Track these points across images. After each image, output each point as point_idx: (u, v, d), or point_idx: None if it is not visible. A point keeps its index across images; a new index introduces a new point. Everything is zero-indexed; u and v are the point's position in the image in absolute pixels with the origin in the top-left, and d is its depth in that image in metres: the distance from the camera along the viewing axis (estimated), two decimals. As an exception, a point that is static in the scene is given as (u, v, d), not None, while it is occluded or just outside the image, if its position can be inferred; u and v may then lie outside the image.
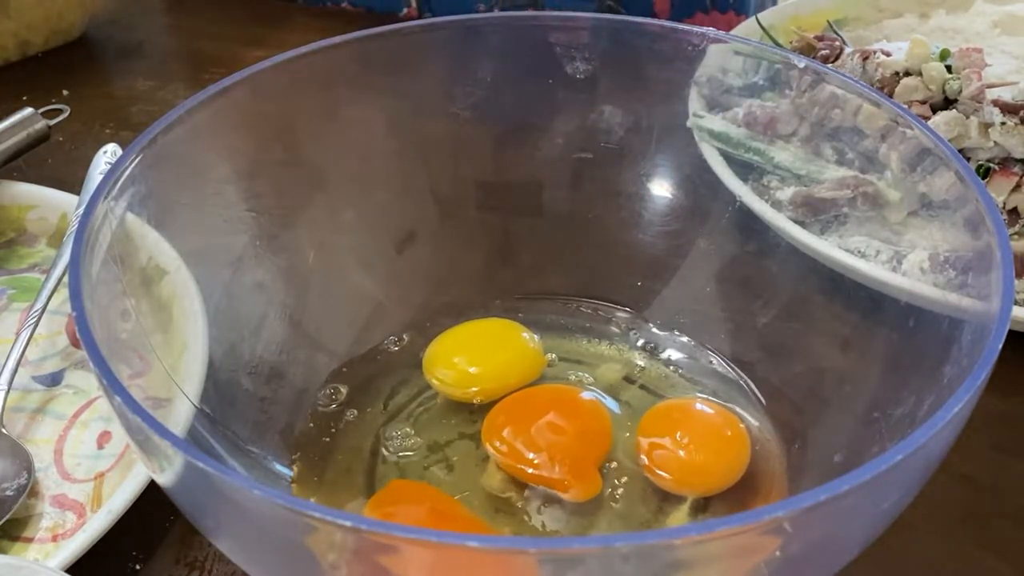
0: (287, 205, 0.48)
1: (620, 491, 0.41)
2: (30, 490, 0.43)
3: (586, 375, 0.46)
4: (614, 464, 0.42)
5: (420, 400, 0.46)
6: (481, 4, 0.82)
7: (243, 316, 0.46)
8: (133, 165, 0.38)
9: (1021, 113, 0.53)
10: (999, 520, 0.43)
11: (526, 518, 0.40)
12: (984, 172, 0.54)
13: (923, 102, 0.55)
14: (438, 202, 0.50)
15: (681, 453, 0.41)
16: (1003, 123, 0.52)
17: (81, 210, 0.52)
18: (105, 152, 0.59)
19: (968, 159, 0.54)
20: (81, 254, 0.34)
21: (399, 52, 0.47)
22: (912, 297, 0.40)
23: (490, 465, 0.42)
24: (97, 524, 0.39)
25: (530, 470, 0.41)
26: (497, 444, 0.42)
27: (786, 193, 0.50)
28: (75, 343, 0.51)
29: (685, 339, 0.48)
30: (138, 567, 0.41)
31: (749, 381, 0.46)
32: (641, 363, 0.47)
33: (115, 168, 0.38)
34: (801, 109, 0.49)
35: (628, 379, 0.46)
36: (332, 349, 0.47)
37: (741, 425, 0.43)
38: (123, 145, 0.60)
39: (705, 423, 0.43)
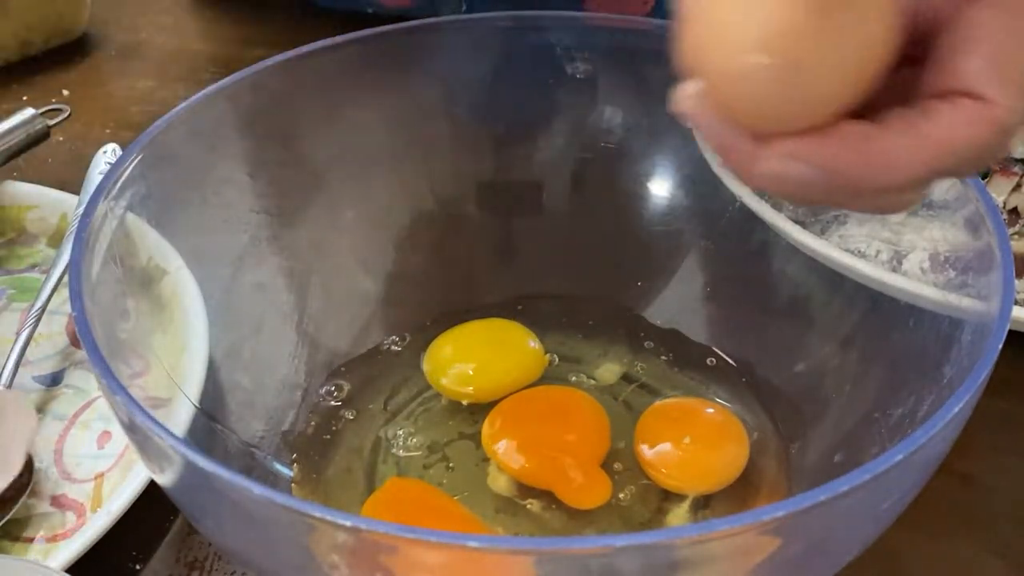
0: (287, 205, 0.48)
1: (620, 490, 0.41)
2: (30, 490, 0.43)
3: (586, 375, 0.46)
4: (615, 464, 0.42)
5: (420, 400, 0.46)
6: None
7: (243, 316, 0.46)
8: (133, 165, 0.38)
9: (1021, 113, 0.52)
10: (999, 520, 0.43)
11: (526, 518, 0.40)
12: (984, 172, 0.54)
13: (923, 102, 0.55)
14: (438, 202, 0.50)
15: (680, 451, 0.41)
16: (1003, 123, 0.52)
17: (81, 210, 0.52)
18: (105, 152, 0.59)
19: (968, 159, 0.54)
20: (81, 254, 0.34)
21: (399, 52, 0.47)
22: (912, 297, 0.40)
23: (492, 466, 0.42)
24: (97, 524, 0.39)
25: (535, 473, 0.41)
26: (497, 446, 0.42)
27: (786, 193, 0.50)
28: (75, 343, 0.51)
29: (685, 339, 0.48)
30: (138, 567, 0.41)
31: (749, 381, 0.46)
32: (641, 363, 0.47)
33: (115, 168, 0.38)
34: (801, 109, 0.49)
35: (627, 378, 0.46)
36: (332, 349, 0.47)
37: (739, 423, 0.43)
38: (123, 145, 0.60)
39: (703, 421, 0.43)
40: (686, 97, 0.27)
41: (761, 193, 0.50)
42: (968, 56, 0.26)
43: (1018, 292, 0.50)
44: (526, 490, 0.41)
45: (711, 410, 0.44)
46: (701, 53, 0.26)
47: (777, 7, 0.25)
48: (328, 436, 0.44)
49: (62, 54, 0.78)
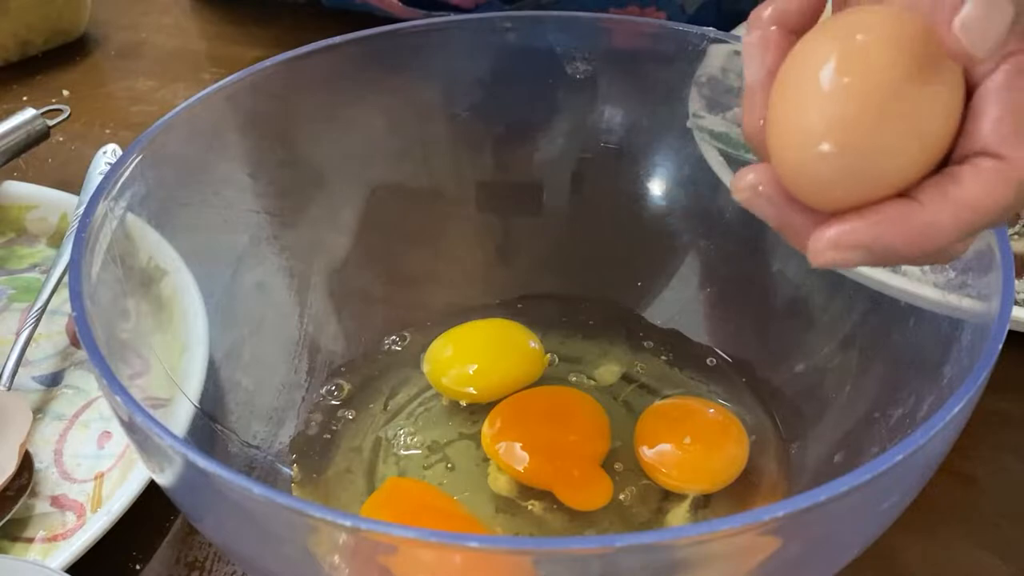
0: (287, 205, 0.48)
1: (620, 490, 0.41)
2: (30, 490, 0.43)
3: (586, 375, 0.46)
4: (615, 464, 0.42)
5: (420, 400, 0.46)
6: None
7: (243, 316, 0.46)
8: (133, 165, 0.38)
9: (1021, 113, 0.52)
10: (999, 520, 0.43)
11: (526, 518, 0.40)
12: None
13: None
14: (438, 202, 0.50)
15: (680, 451, 0.41)
16: (1003, 123, 0.52)
17: (81, 210, 0.52)
18: (105, 152, 0.59)
19: (968, 159, 0.54)
20: (81, 254, 0.34)
21: (399, 52, 0.47)
22: (912, 297, 0.40)
23: (492, 467, 0.42)
24: (97, 524, 0.39)
25: (535, 474, 0.41)
26: (497, 447, 0.42)
27: (786, 193, 0.50)
28: (75, 343, 0.51)
29: (685, 338, 0.48)
30: (138, 567, 0.41)
31: (749, 381, 0.46)
32: (640, 362, 0.47)
33: (115, 168, 0.38)
34: (801, 109, 0.49)
35: (627, 378, 0.46)
36: (332, 349, 0.47)
37: (739, 423, 0.43)
38: (123, 145, 0.60)
39: (703, 420, 0.43)
40: (744, 187, 0.29)
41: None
42: (983, 117, 0.27)
43: (1018, 292, 0.50)
44: (527, 491, 0.41)
45: (711, 410, 0.44)
46: (776, 139, 0.29)
47: (842, 102, 0.27)
48: (328, 436, 0.44)
49: (62, 54, 0.78)
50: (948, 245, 0.28)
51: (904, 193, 0.28)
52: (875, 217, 0.27)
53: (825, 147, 0.27)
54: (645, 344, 0.48)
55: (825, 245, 0.28)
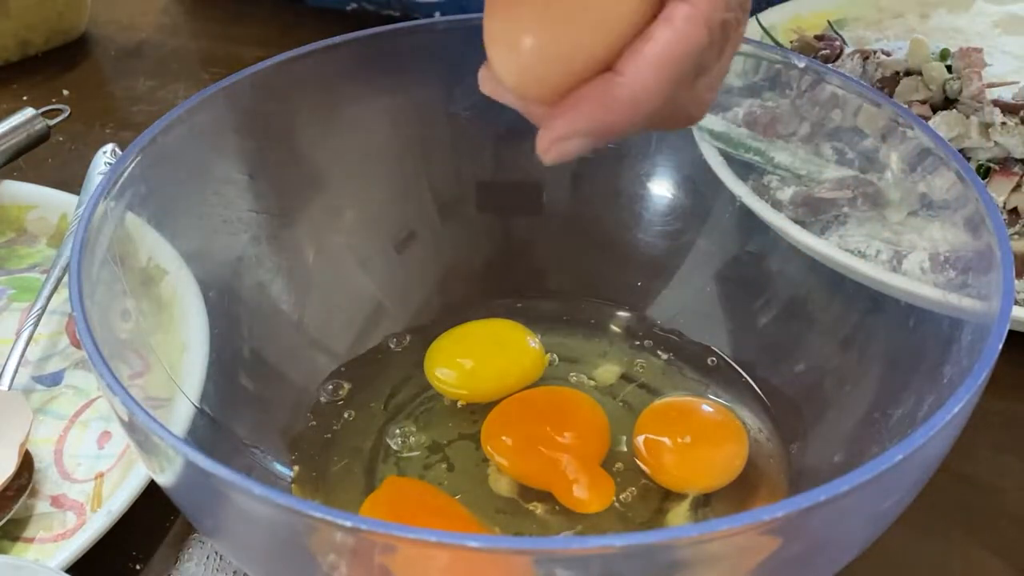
0: (287, 205, 0.48)
1: (620, 491, 0.41)
2: (30, 490, 0.43)
3: (586, 375, 0.46)
4: (615, 464, 0.42)
5: (421, 400, 0.46)
6: None
7: (243, 316, 0.46)
8: (133, 165, 0.38)
9: (1021, 113, 0.53)
10: (999, 520, 0.43)
11: (525, 518, 0.40)
12: (984, 172, 0.54)
13: (923, 102, 0.55)
14: (438, 202, 0.50)
15: (680, 450, 0.41)
16: (1003, 123, 0.52)
17: (81, 210, 0.52)
18: (105, 152, 0.59)
19: (968, 159, 0.54)
20: (81, 254, 0.34)
21: (399, 52, 0.47)
22: (912, 297, 0.40)
23: (493, 467, 0.42)
24: (97, 524, 0.39)
25: (534, 475, 0.41)
26: (496, 448, 0.42)
27: (786, 193, 0.50)
28: (75, 343, 0.51)
29: (685, 339, 0.48)
30: (138, 567, 0.41)
31: (749, 381, 0.46)
32: (640, 362, 0.47)
33: (115, 168, 0.38)
34: (801, 109, 0.49)
35: (627, 378, 0.46)
36: (332, 349, 0.47)
37: (739, 422, 0.43)
38: (123, 145, 0.60)
39: (702, 420, 0.43)
40: (488, 79, 0.31)
41: (761, 193, 0.50)
42: None
43: (1018, 292, 0.50)
44: (527, 491, 0.41)
45: (711, 410, 0.44)
46: (486, 38, 0.30)
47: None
48: (328, 436, 0.44)
49: (62, 54, 0.78)
50: (657, 104, 0.28)
51: (610, 66, 0.28)
52: (583, 102, 0.28)
53: (520, 41, 0.28)
54: (645, 344, 0.48)
55: (548, 143, 0.29)
